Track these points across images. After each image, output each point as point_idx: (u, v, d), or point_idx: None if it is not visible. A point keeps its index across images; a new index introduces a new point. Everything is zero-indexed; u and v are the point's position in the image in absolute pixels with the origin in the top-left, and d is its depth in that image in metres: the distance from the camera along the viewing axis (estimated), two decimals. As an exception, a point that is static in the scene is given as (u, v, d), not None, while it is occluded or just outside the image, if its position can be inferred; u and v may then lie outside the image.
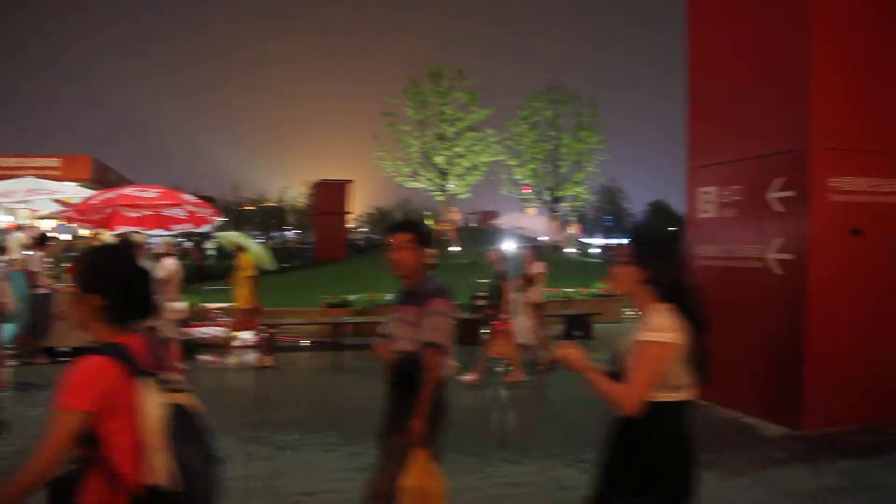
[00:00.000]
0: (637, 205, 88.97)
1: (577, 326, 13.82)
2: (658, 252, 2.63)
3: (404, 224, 3.75)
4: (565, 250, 32.63)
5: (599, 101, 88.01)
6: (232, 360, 10.82)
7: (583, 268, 25.79)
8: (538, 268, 10.13)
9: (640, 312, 2.63)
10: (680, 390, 2.56)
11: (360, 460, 5.60)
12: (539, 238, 12.04)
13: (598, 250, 44.60)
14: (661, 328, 2.48)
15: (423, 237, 3.62)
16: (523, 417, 7.76)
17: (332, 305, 14.01)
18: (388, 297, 12.91)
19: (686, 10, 8.53)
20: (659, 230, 2.86)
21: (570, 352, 2.59)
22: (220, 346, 10.98)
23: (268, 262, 11.09)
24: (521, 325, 9.56)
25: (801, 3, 6.78)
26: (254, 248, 10.66)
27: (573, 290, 16.48)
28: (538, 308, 10.11)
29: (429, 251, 3.65)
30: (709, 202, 7.97)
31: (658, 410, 2.53)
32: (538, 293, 10.10)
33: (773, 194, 6.98)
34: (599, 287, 16.57)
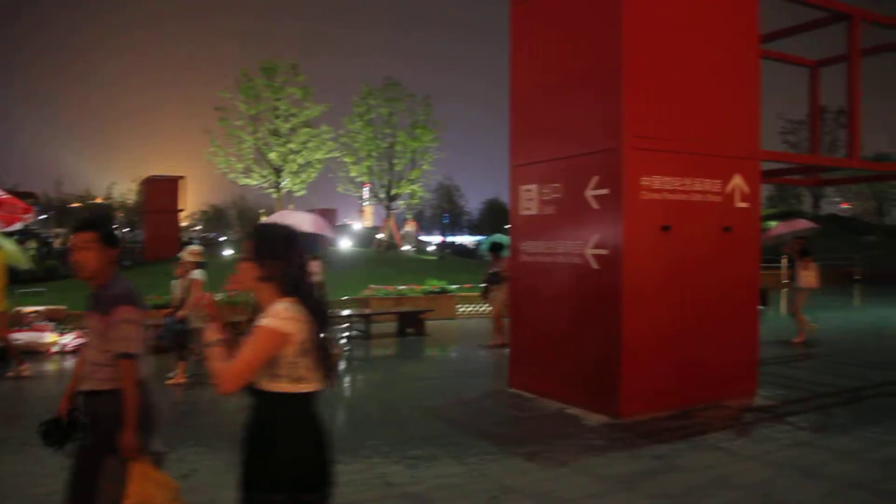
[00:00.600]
0: (473, 203, 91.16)
1: (410, 323, 13.91)
2: (276, 248, 2.67)
3: (86, 222, 3.54)
4: (402, 248, 32.80)
5: (437, 98, 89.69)
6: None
7: (419, 265, 26.10)
8: (314, 267, 9.88)
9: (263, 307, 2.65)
10: (304, 382, 2.59)
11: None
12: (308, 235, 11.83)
13: (435, 248, 45.22)
14: (277, 315, 2.53)
15: (107, 236, 3.48)
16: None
17: (157, 307, 13.31)
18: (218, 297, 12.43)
19: (509, 10, 8.73)
20: (278, 228, 2.86)
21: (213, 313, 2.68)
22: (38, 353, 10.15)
23: (23, 261, 10.36)
24: None
25: (614, 6, 7.07)
26: (7, 247, 9.83)
27: (406, 288, 16.61)
28: None
29: (113, 251, 3.49)
30: (530, 200, 8.20)
31: (283, 402, 2.57)
32: None
33: (590, 192, 7.27)
34: (433, 284, 16.82)
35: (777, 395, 8.20)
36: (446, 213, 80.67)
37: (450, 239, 66.65)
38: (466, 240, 73.86)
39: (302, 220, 12.45)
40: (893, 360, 10.91)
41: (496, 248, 12.49)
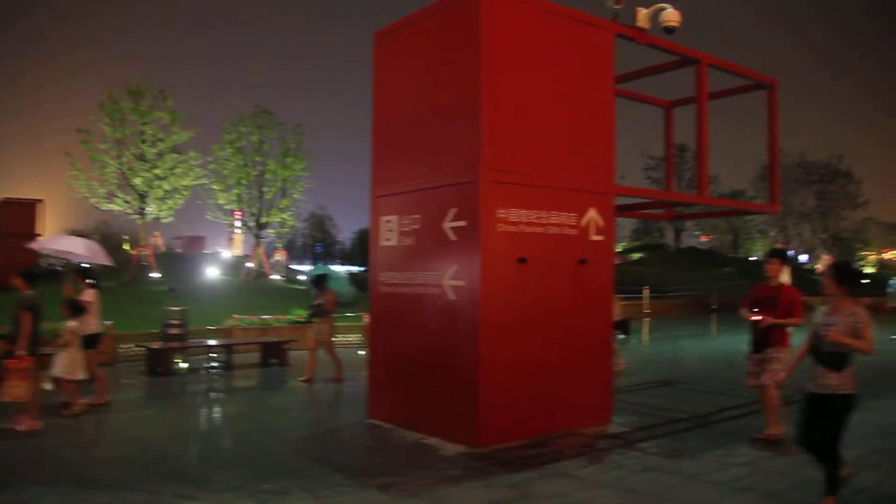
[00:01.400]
0: (346, 232, 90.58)
1: (273, 354, 13.56)
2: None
3: None
4: (272, 277, 32.07)
5: (311, 128, 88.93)
6: None
7: (287, 294, 25.57)
8: (89, 296, 9.30)
9: None
10: None
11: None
12: (85, 262, 11.39)
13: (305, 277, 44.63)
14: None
15: None
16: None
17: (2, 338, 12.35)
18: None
19: (373, 41, 8.72)
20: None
21: None
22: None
23: None
24: (69, 359, 8.54)
25: (473, 41, 7.18)
26: None
27: (271, 317, 16.26)
28: (91, 340, 9.10)
29: None
30: (390, 230, 8.15)
31: None
32: (91, 323, 9.13)
33: (448, 224, 7.29)
34: (298, 314, 16.50)
35: (631, 421, 8.41)
36: (319, 243, 79.79)
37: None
38: (337, 269, 73.55)
39: (75, 246, 11.93)
40: (742, 386, 11.45)
41: (319, 280, 12.36)
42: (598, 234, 7.96)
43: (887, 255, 59.01)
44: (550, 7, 7.74)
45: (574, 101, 7.94)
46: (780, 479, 6.19)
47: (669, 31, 8.69)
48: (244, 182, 33.75)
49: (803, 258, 61.46)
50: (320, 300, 11.80)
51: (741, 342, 18.60)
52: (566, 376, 7.65)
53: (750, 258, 56.63)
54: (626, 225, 60.77)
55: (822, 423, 5.11)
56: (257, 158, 34.02)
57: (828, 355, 5.10)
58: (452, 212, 7.26)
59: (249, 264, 32.63)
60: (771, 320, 7.24)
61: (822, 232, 57.30)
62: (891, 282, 30.16)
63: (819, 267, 54.39)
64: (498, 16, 7.27)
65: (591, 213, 7.87)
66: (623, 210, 11.02)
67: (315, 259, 68.77)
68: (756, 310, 7.39)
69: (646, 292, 27.86)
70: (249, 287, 28.21)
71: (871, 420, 7.93)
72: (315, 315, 11.94)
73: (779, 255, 7.60)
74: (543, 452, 6.94)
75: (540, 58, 7.64)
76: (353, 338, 16.51)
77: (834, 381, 5.06)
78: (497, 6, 7.26)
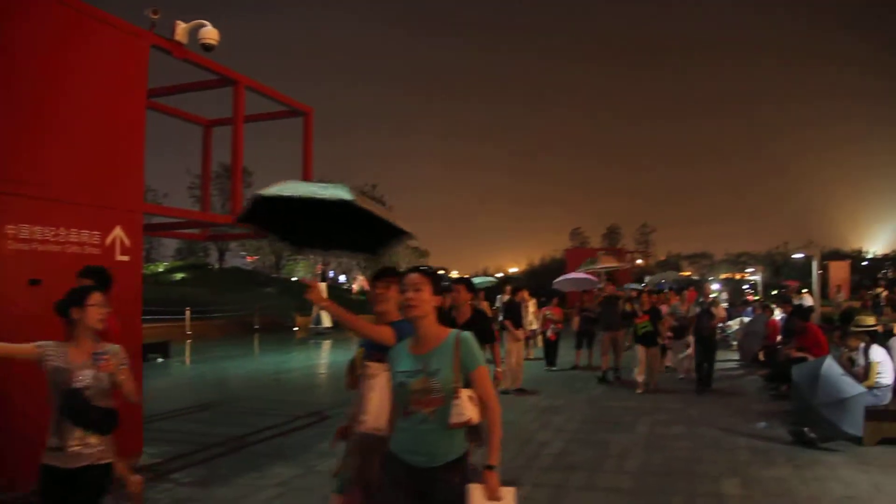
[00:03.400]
0: None
1: None
2: None
3: None
4: None
5: None
6: None
7: None
8: None
9: None
10: None
11: None
12: None
13: None
14: None
15: None
16: None
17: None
18: None
19: None
20: None
21: None
22: None
23: None
24: None
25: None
26: None
27: None
28: None
29: None
30: None
31: None
32: None
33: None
34: None
35: (164, 451, 8.04)
36: None
37: None
38: None
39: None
40: (280, 405, 11.75)
41: None
42: (123, 253, 7.42)
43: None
44: (78, 5, 7.04)
45: (101, 111, 7.32)
46: (310, 495, 6.43)
47: (207, 48, 8.57)
48: None
49: (342, 279, 66.34)
50: None
51: (283, 361, 19.34)
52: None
53: (292, 278, 59.00)
54: (171, 244, 58.95)
55: None
56: None
57: None
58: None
59: None
60: None
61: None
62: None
63: (355, 287, 59.00)
64: (5, 4, 6.39)
65: (117, 232, 7.30)
66: (157, 229, 10.54)
67: None
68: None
69: (188, 313, 27.18)
70: None
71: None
72: None
73: (465, 282, 7.05)
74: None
75: (62, 59, 6.87)
76: None
77: None
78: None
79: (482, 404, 3.42)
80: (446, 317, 6.75)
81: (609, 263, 20.91)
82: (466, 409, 3.31)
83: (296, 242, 4.62)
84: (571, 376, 15.14)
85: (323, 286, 11.75)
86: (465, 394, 3.35)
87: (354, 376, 4.41)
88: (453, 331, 3.55)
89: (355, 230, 4.41)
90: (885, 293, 26.37)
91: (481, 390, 3.43)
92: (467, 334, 3.50)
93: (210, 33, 8.55)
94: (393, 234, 4.48)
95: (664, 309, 15.08)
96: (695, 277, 44.50)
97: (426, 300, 3.49)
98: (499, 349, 7.13)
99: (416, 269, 3.62)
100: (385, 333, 4.06)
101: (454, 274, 69.21)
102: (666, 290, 18.67)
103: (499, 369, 7.16)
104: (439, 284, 3.58)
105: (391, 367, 3.62)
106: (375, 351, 4.13)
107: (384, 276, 4.40)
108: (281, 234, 4.59)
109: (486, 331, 6.77)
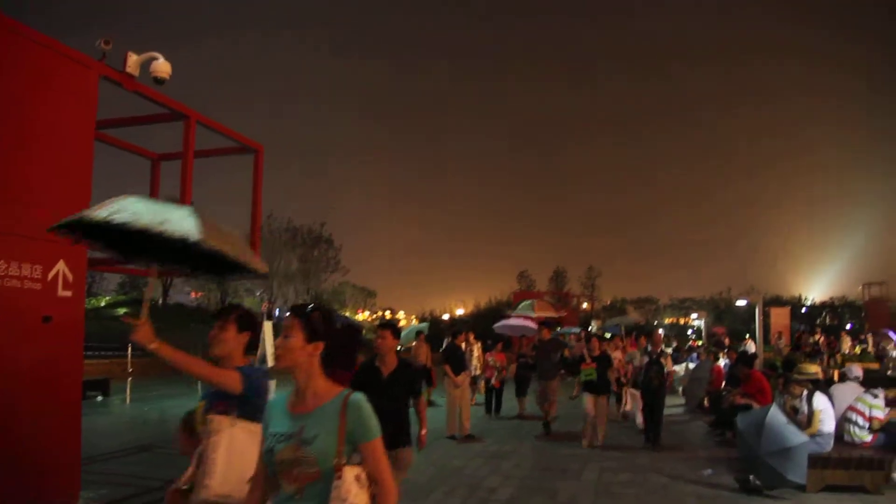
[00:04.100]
0: None
1: None
2: None
3: None
4: None
5: None
6: None
7: None
8: None
9: None
10: None
11: None
12: None
13: None
14: None
15: None
16: None
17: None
18: None
19: None
20: None
21: None
22: None
23: None
24: None
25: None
26: None
27: None
28: None
29: None
30: None
31: None
32: None
33: None
34: None
35: (101, 495, 7.78)
36: None
37: None
38: None
39: None
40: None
41: None
42: (66, 289, 7.17)
43: (361, 317, 65.76)
44: (21, 29, 6.86)
45: (46, 141, 7.12)
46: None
47: (159, 82, 8.45)
48: None
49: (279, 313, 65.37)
50: None
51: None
52: (25, 445, 6.56)
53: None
54: (113, 278, 57.52)
55: None
56: None
57: None
58: None
59: None
60: None
61: (304, 293, 61.61)
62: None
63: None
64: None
65: (60, 266, 7.06)
66: (101, 264, 10.22)
67: None
68: None
69: (129, 350, 26.38)
70: None
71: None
72: None
73: (390, 328, 6.34)
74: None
75: (3, 86, 6.69)
76: None
77: None
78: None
79: (375, 487, 2.73)
80: (369, 368, 6.17)
81: (545, 313, 20.42)
82: (351, 492, 2.61)
83: (125, 252, 4.11)
84: (517, 424, 14.99)
85: (268, 325, 11.50)
86: (350, 473, 2.65)
87: (189, 438, 3.83)
88: (343, 391, 2.83)
89: (201, 257, 3.86)
90: (822, 339, 27.01)
91: (374, 469, 2.73)
92: (359, 398, 2.80)
93: (162, 66, 8.44)
94: (247, 269, 4.00)
95: (619, 355, 14.95)
96: (641, 322, 44.97)
97: (294, 348, 2.79)
98: (425, 408, 6.43)
99: (294, 309, 2.93)
100: (230, 379, 3.56)
101: (401, 315, 69.09)
102: (619, 334, 18.69)
103: (423, 431, 6.38)
104: (317, 328, 2.86)
105: (264, 425, 2.91)
106: (220, 401, 3.62)
107: (221, 315, 3.90)
108: (106, 242, 4.13)
109: (413, 384, 6.26)
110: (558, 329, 27.33)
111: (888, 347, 23.01)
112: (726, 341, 24.69)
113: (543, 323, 16.75)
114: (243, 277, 4.26)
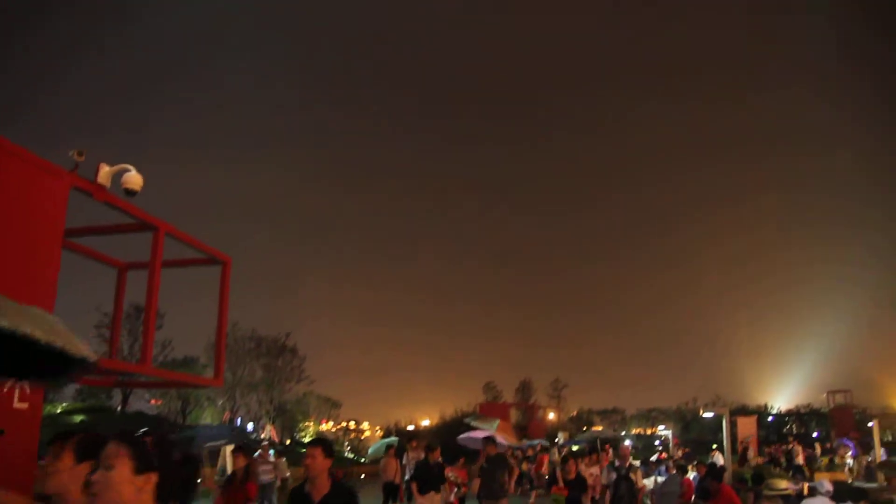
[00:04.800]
0: None
1: None
2: None
3: None
4: None
5: None
6: None
7: None
8: None
9: None
10: None
11: None
12: None
13: None
14: None
15: None
16: None
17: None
18: None
19: None
20: None
21: None
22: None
23: None
24: None
25: None
26: None
27: None
28: None
29: None
30: None
31: None
32: None
33: None
34: None
35: None
36: None
37: None
38: None
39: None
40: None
41: None
42: (22, 400, 6.97)
43: (325, 427, 64.25)
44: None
45: (12, 249, 7.10)
46: None
47: (130, 193, 8.51)
48: None
49: (249, 427, 63.69)
50: None
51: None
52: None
53: (201, 424, 56.44)
54: (70, 385, 55.92)
55: None
56: None
57: None
58: None
59: None
60: None
61: (267, 403, 60.25)
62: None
63: (264, 435, 56.66)
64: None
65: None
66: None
67: None
68: None
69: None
70: None
71: None
72: None
73: (321, 445, 5.78)
74: None
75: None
76: None
77: None
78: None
79: None
80: (297, 495, 5.55)
81: (506, 438, 19.64)
82: None
83: None
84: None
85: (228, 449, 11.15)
86: None
87: None
88: None
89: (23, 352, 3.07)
90: (798, 447, 26.81)
91: None
92: None
93: (134, 179, 8.50)
94: (73, 361, 3.04)
95: (596, 471, 14.45)
96: (607, 433, 44.59)
97: (116, 482, 2.32)
98: None
99: (119, 435, 2.45)
100: None
101: (365, 426, 67.59)
102: (596, 450, 18.09)
103: None
104: (148, 457, 2.42)
105: None
106: None
107: (55, 441, 3.32)
108: None
109: None
110: (523, 440, 26.89)
111: (846, 457, 23.02)
112: (680, 454, 24.48)
113: (488, 438, 14.64)
114: (69, 374, 3.15)
